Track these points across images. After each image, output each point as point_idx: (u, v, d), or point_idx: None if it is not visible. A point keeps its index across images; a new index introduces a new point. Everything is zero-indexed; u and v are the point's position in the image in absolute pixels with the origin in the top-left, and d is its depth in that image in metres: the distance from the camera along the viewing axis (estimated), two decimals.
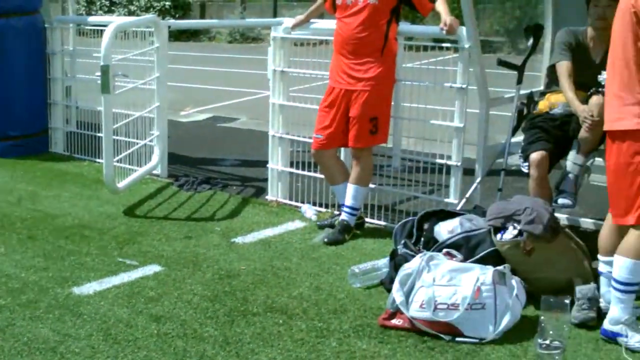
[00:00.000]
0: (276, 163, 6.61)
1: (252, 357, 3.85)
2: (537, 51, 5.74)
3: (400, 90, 6.32)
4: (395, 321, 4.17)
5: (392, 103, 5.85)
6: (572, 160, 5.03)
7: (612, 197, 4.04)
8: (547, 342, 3.81)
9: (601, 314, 4.15)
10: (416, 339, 4.04)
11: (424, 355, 3.88)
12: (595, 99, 4.87)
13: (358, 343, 3.99)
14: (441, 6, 5.55)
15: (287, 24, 6.36)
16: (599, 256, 4.30)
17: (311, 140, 5.85)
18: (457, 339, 4.01)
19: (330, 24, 5.86)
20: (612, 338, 3.97)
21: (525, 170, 5.10)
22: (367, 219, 5.93)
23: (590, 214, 5.77)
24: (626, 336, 3.91)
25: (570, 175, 4.99)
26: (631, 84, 3.78)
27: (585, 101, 4.99)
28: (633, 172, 3.81)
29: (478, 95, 5.61)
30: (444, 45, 5.71)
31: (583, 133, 4.96)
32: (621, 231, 4.00)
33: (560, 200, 4.97)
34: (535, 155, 4.99)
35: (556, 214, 4.72)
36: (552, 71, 5.36)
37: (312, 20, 6.23)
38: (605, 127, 3.99)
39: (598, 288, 4.29)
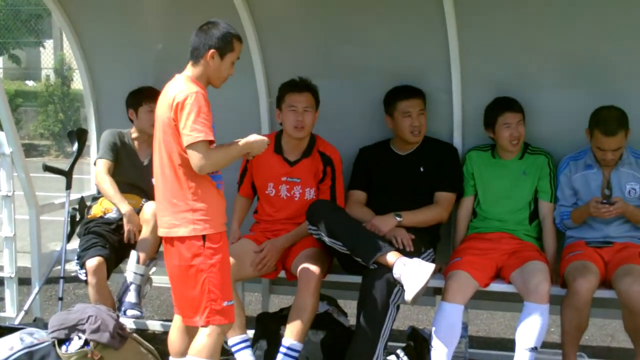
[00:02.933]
0: None
1: None
2: (84, 154, 5.69)
3: None
4: None
5: None
6: (133, 270, 4.99)
7: (177, 299, 4.10)
8: None
9: None
10: None
11: None
12: (148, 205, 4.95)
13: None
14: None
15: None
16: (170, 359, 4.30)
17: None
18: None
19: None
20: None
21: (82, 277, 4.97)
22: None
23: (157, 315, 5.80)
24: None
25: (133, 286, 4.96)
26: (183, 191, 3.92)
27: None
28: (195, 274, 3.92)
29: (26, 201, 5.38)
30: None
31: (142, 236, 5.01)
32: (190, 332, 4.07)
33: (129, 312, 4.88)
34: (91, 262, 4.89)
35: (122, 319, 4.65)
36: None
37: None
38: (161, 234, 4.06)
39: None
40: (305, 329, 4.60)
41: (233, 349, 4.70)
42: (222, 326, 3.97)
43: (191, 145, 3.81)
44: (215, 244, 3.93)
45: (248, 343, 4.71)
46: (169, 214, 3.98)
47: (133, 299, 4.91)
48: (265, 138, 4.12)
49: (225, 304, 3.94)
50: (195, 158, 3.81)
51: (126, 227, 5.09)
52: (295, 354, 4.60)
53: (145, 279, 5.07)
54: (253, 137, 4.05)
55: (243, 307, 4.80)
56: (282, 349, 4.60)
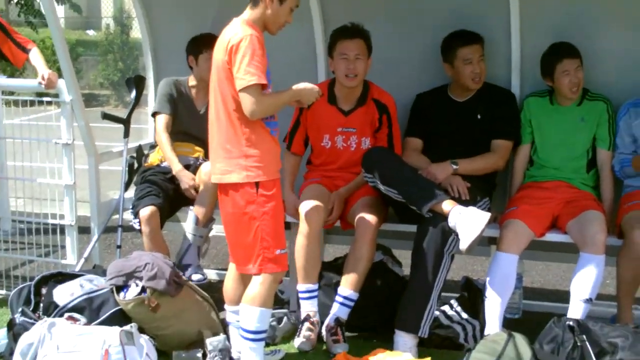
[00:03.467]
0: None
1: None
2: (141, 103, 5.73)
3: (3, 148, 5.96)
4: None
5: None
6: (191, 232, 5.05)
7: (232, 247, 4.13)
8: None
9: None
10: None
11: None
12: (205, 165, 4.98)
13: None
14: (36, 58, 5.31)
15: None
16: (225, 306, 4.36)
17: None
18: None
19: None
20: None
21: (136, 226, 5.02)
22: None
23: (212, 264, 5.86)
24: None
25: (192, 248, 5.02)
26: (237, 137, 3.92)
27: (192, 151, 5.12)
28: (248, 222, 3.94)
29: (85, 150, 5.44)
30: (46, 99, 5.48)
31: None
32: (244, 280, 4.11)
33: (194, 277, 4.93)
34: (144, 211, 4.92)
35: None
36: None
37: None
38: (215, 180, 4.08)
39: (229, 338, 4.33)
40: (362, 278, 4.61)
41: (301, 296, 4.72)
42: (275, 274, 4.00)
43: (244, 89, 3.80)
44: (268, 191, 3.93)
45: (316, 293, 4.72)
46: (222, 159, 3.99)
47: (192, 260, 4.99)
48: (316, 87, 4.09)
49: (278, 252, 3.96)
50: (247, 102, 3.81)
51: (182, 186, 5.12)
52: (351, 304, 4.62)
53: (204, 239, 5.13)
54: (303, 85, 4.03)
55: (320, 257, 4.79)
56: (338, 298, 4.63)
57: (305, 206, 4.68)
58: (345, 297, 4.61)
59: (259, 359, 4.01)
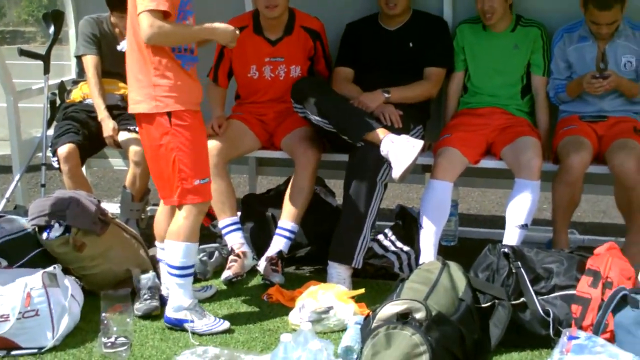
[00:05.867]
0: None
1: None
2: (62, 39, 5.50)
3: None
4: None
5: None
6: (129, 208, 4.99)
7: (154, 180, 4.03)
8: (112, 339, 3.65)
9: (164, 302, 4.04)
10: None
11: None
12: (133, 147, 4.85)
13: None
14: None
15: None
16: (156, 243, 4.26)
17: None
18: (13, 352, 3.66)
19: None
20: (177, 325, 3.90)
21: (55, 165, 4.90)
22: None
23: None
24: (192, 321, 3.87)
25: (131, 222, 4.92)
26: (146, 67, 3.78)
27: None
28: (165, 153, 3.82)
29: (2, 88, 5.22)
30: None
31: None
32: (174, 213, 3.99)
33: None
34: (62, 149, 4.80)
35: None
36: (80, 61, 5.22)
37: None
38: (130, 110, 3.96)
39: (159, 276, 4.22)
40: (302, 211, 4.57)
41: (223, 231, 4.65)
42: (198, 205, 3.89)
43: (141, 13, 3.65)
44: (183, 121, 3.80)
45: (238, 225, 4.66)
46: (134, 89, 3.87)
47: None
48: (231, 27, 3.92)
49: (197, 182, 3.84)
50: (142, 25, 3.65)
51: (104, 134, 4.98)
52: (293, 236, 4.58)
53: (142, 210, 5.09)
54: (217, 24, 3.89)
55: (233, 189, 4.71)
56: (279, 231, 4.58)
57: (209, 144, 4.59)
58: (286, 230, 4.56)
59: (186, 296, 3.90)
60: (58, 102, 5.34)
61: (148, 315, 4.03)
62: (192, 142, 3.83)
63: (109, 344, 3.65)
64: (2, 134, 5.35)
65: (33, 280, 3.77)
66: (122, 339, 3.65)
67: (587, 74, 4.46)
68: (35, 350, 3.69)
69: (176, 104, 3.78)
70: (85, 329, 3.87)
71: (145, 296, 4.09)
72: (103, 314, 3.73)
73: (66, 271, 4.05)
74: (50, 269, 3.87)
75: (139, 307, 4.05)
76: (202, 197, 3.89)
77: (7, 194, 5.16)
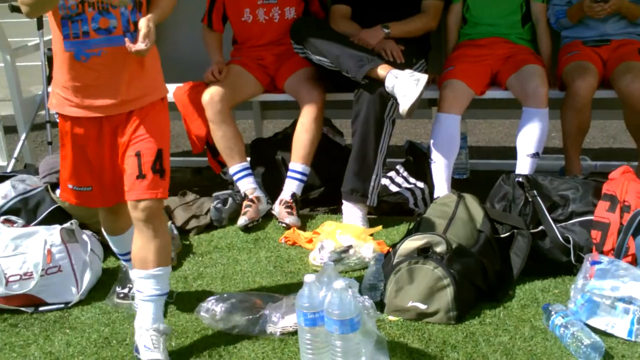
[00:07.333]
0: None
1: None
2: None
3: None
4: None
5: None
6: None
7: None
8: (126, 290, 3.68)
9: None
10: None
11: (8, 334, 3.52)
12: None
13: None
14: None
15: None
16: None
17: None
18: (41, 308, 3.71)
19: None
20: None
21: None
22: None
23: None
24: None
25: None
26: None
27: None
28: None
29: None
30: None
31: None
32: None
33: None
34: None
35: None
36: None
37: None
38: None
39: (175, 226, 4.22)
40: (312, 152, 4.58)
41: (234, 177, 4.67)
42: None
43: None
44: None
45: (249, 170, 4.67)
46: None
47: None
48: None
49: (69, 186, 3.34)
50: None
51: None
52: (305, 178, 4.59)
53: None
54: None
55: (240, 135, 4.70)
56: (290, 174, 4.59)
57: (209, 91, 4.61)
58: (297, 172, 4.56)
59: None
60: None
61: None
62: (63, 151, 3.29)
63: (122, 294, 3.67)
64: (2, 94, 5.28)
65: (52, 237, 3.79)
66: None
67: None
68: (62, 305, 3.73)
69: (54, 106, 3.21)
70: (109, 282, 3.87)
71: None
72: (123, 265, 3.74)
73: (83, 226, 4.07)
74: (67, 225, 3.89)
75: None
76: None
77: (15, 154, 5.15)
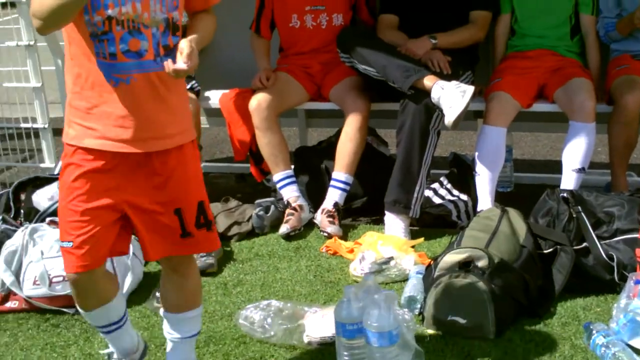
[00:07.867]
0: None
1: None
2: None
3: None
4: (10, 304, 3.82)
5: None
6: None
7: None
8: None
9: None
10: (37, 318, 3.72)
11: (50, 334, 3.58)
12: None
13: None
14: None
15: None
16: None
17: None
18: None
19: None
20: None
21: None
22: None
23: None
24: None
25: None
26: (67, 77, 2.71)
27: None
28: None
29: (50, 51, 5.21)
30: (3, 1, 5.28)
31: None
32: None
33: None
34: None
35: None
36: None
37: None
38: None
39: None
40: (356, 161, 4.57)
41: (277, 185, 4.68)
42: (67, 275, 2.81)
43: None
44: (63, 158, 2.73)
45: (293, 178, 4.68)
46: None
47: None
48: None
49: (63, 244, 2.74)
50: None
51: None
52: (347, 187, 4.59)
53: None
54: None
55: (285, 142, 4.71)
56: (333, 183, 4.58)
57: (256, 98, 4.62)
58: (340, 181, 4.56)
59: None
60: None
61: (202, 272, 3.96)
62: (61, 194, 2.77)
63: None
64: (53, 96, 5.37)
65: None
66: None
67: (637, 9, 4.36)
68: None
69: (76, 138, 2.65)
70: (149, 286, 3.91)
71: (202, 253, 4.11)
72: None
73: None
74: None
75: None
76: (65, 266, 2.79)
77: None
